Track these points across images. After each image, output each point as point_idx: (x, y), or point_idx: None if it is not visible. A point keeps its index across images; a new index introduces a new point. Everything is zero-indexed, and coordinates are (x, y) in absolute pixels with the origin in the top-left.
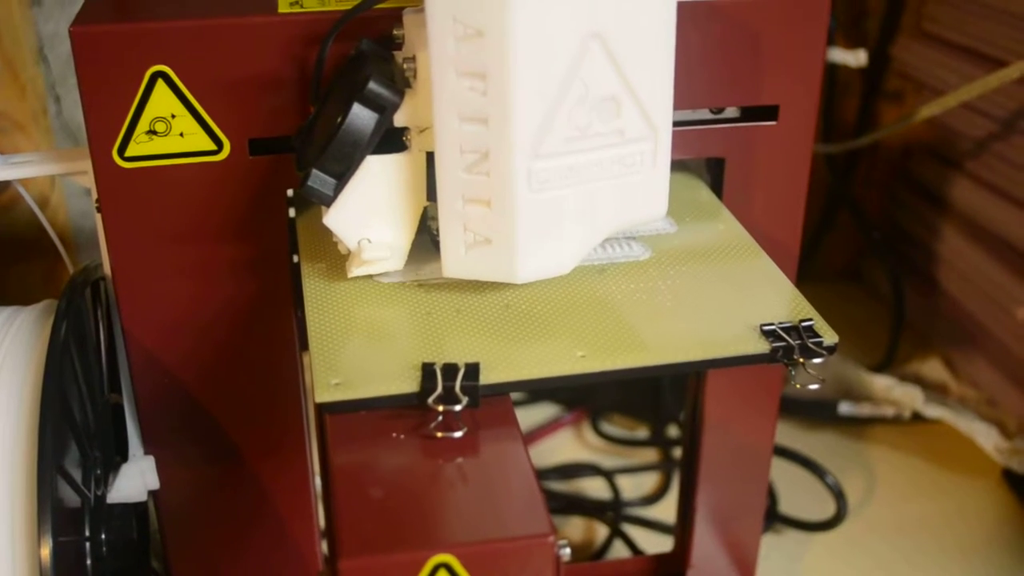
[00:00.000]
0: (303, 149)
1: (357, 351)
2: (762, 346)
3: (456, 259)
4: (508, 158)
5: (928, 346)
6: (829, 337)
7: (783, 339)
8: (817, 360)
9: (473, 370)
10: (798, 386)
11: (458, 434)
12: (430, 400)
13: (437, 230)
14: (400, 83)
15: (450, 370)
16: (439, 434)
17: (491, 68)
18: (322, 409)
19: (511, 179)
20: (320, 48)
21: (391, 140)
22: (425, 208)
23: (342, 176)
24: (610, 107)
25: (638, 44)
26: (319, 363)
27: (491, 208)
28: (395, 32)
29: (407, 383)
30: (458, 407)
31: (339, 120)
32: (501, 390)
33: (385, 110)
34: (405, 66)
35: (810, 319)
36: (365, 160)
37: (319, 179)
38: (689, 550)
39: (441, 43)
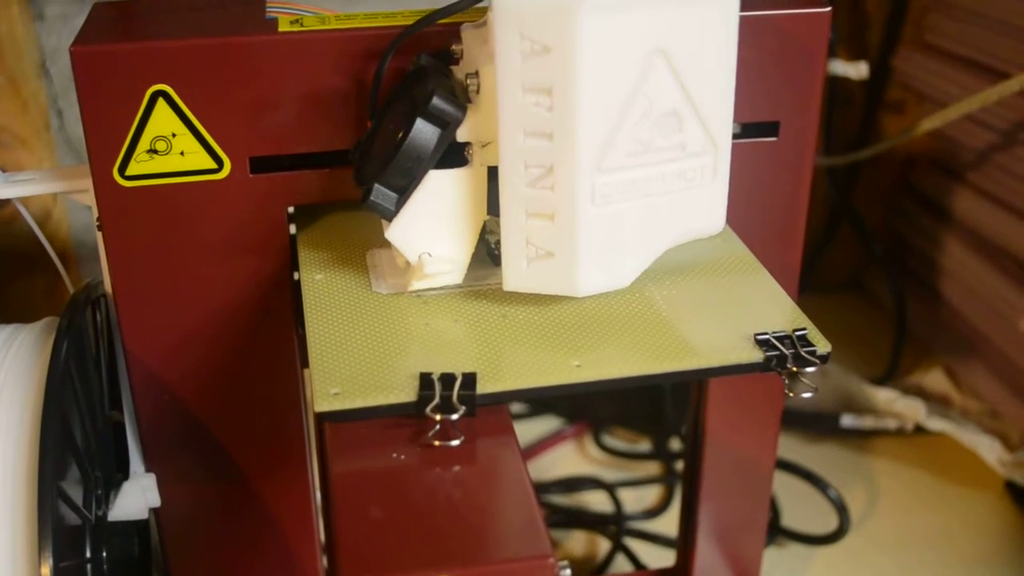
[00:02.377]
0: (362, 163)
1: (356, 361)
2: (756, 355)
3: (517, 272)
4: (572, 173)
5: (930, 357)
6: (822, 346)
7: (776, 348)
8: (810, 369)
9: (470, 379)
10: (792, 395)
11: (455, 443)
12: (428, 409)
13: (496, 243)
14: (461, 98)
15: (447, 379)
16: (436, 443)
17: (557, 84)
18: (321, 418)
19: (575, 193)
20: (379, 63)
21: (452, 154)
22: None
23: (404, 190)
24: (672, 122)
25: (700, 59)
26: (318, 373)
27: (554, 222)
28: (453, 47)
29: (405, 392)
30: (455, 416)
31: (401, 135)
32: (498, 399)
33: (448, 125)
34: (468, 81)
35: (804, 328)
36: (427, 175)
37: (381, 194)
38: (691, 564)
39: (507, 59)
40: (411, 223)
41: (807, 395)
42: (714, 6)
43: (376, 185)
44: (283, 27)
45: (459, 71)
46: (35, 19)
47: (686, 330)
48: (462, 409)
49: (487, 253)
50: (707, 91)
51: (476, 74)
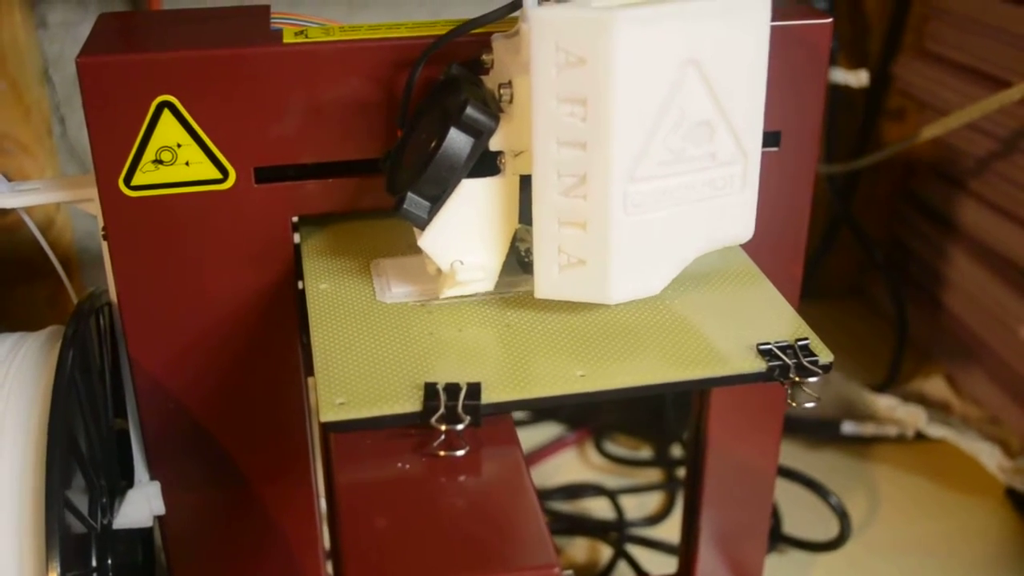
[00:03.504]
0: (393, 172)
1: (361, 371)
2: (758, 365)
3: (549, 280)
4: (605, 182)
5: (931, 363)
6: (825, 356)
7: (779, 358)
8: (813, 379)
9: (475, 389)
10: (794, 404)
11: (460, 453)
12: (433, 420)
13: (527, 251)
14: (493, 107)
15: (452, 389)
16: (442, 452)
17: (592, 95)
18: (327, 428)
19: (607, 202)
20: (410, 73)
21: (485, 163)
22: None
23: (437, 199)
24: (704, 132)
25: (732, 70)
26: (324, 383)
27: (586, 230)
28: (484, 57)
29: (410, 403)
30: (460, 426)
31: (434, 145)
32: (503, 409)
33: (482, 135)
34: (501, 91)
35: (806, 338)
36: (460, 184)
37: (414, 202)
38: (693, 570)
39: (542, 70)
40: (443, 231)
41: (810, 405)
42: (746, 18)
43: (409, 194)
44: (288, 38)
45: (490, 81)
46: (38, 26)
47: (689, 340)
48: (467, 419)
49: (517, 261)
50: (738, 101)
51: (508, 84)
